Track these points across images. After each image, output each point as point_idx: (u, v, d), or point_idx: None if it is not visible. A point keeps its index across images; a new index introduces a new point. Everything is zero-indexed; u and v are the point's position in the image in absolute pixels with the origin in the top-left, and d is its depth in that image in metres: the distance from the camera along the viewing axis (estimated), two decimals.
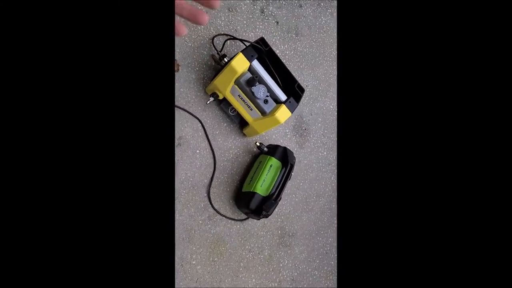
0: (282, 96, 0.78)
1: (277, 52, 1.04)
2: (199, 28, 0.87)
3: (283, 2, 1.07)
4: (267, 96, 0.73)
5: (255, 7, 1.00)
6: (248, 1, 0.98)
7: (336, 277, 1.03)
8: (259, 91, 0.71)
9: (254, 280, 0.87)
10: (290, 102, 0.76)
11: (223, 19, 0.92)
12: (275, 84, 0.78)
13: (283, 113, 0.74)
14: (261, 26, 1.00)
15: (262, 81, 0.75)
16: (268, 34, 1.01)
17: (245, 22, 0.97)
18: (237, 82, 0.74)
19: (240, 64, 0.69)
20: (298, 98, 0.79)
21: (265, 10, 1.02)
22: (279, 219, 0.95)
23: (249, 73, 0.74)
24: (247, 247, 0.87)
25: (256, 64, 0.75)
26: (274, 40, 1.02)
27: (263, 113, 0.76)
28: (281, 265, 0.93)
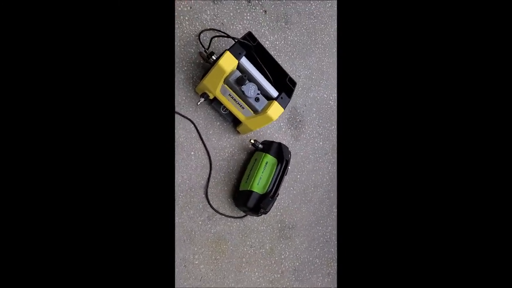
0: (274, 92, 0.77)
1: (266, 43, 1.01)
2: (184, 24, 0.84)
3: None
4: (258, 94, 0.72)
5: None
6: None
7: (336, 264, 1.06)
8: (249, 90, 0.69)
9: (257, 273, 0.90)
10: (282, 98, 0.75)
11: (208, 12, 0.88)
12: (266, 80, 0.76)
13: (275, 110, 0.73)
14: (248, 17, 0.97)
15: (252, 79, 0.73)
16: (256, 25, 0.98)
17: (231, 14, 0.93)
18: (226, 82, 0.72)
19: (228, 63, 0.67)
20: (290, 93, 0.77)
21: (251, 0, 0.98)
22: (278, 213, 0.96)
23: (238, 71, 0.72)
24: (248, 243, 0.89)
25: (244, 61, 0.72)
26: (263, 31, 0.99)
27: (255, 111, 0.75)
28: (282, 257, 0.95)
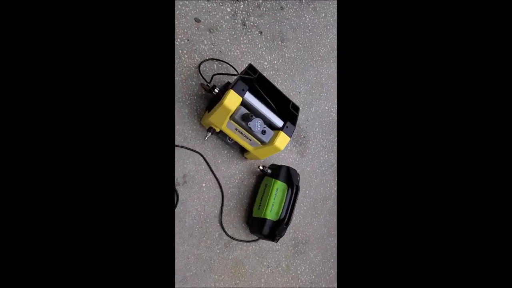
0: (279, 122, 0.78)
1: (265, 64, 1.01)
2: (183, 58, 0.84)
3: (264, 9, 1.02)
4: (264, 127, 0.73)
5: (236, 21, 0.95)
6: (228, 17, 0.93)
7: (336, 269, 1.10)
8: (256, 125, 0.71)
9: None
10: (287, 127, 0.76)
11: (205, 42, 0.89)
12: (270, 111, 0.78)
13: (282, 140, 0.75)
14: (245, 40, 0.97)
15: (257, 114, 0.74)
16: (253, 47, 0.98)
17: (228, 40, 0.93)
18: (232, 118, 0.73)
19: (233, 101, 0.68)
20: (294, 120, 0.79)
21: (246, 22, 0.98)
22: (291, 230, 0.99)
23: (242, 108, 0.73)
24: (264, 263, 0.92)
25: (248, 96, 0.74)
26: (260, 52, 0.99)
27: (262, 142, 0.77)
28: (299, 272, 0.99)
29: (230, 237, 0.86)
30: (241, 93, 0.69)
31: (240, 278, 0.87)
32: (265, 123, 0.75)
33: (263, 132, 0.74)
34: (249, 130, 0.73)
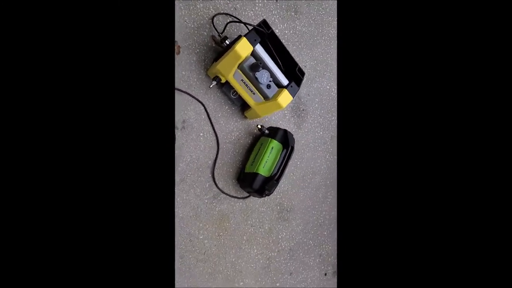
0: (284, 81, 0.80)
1: (276, 31, 1.03)
2: (198, 7, 0.84)
3: None
4: (270, 81, 0.75)
5: None
6: None
7: (329, 247, 1.14)
8: (263, 77, 0.72)
9: (255, 250, 0.95)
10: (291, 86, 0.78)
11: None
12: (277, 68, 0.79)
13: (285, 98, 0.77)
14: (260, 4, 0.98)
15: (265, 66, 0.76)
16: (267, 12, 0.99)
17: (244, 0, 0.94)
18: (240, 67, 0.74)
19: (244, 49, 0.70)
20: (299, 82, 0.81)
21: None
22: (278, 196, 1.01)
23: (252, 57, 0.74)
24: (249, 222, 0.94)
25: (259, 48, 0.75)
26: (273, 19, 1.01)
27: (265, 97, 0.78)
28: (280, 237, 1.01)
29: (220, 189, 0.88)
30: (253, 43, 0.71)
31: (224, 231, 0.89)
32: (271, 79, 0.77)
33: (268, 86, 0.76)
34: (255, 81, 0.74)
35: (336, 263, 1.15)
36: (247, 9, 0.95)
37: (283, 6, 1.04)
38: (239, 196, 0.91)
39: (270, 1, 1.00)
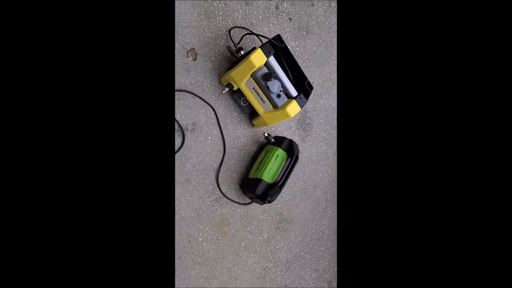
0: (294, 92, 0.84)
1: (288, 47, 1.08)
2: (218, 19, 0.90)
3: (297, 1, 1.10)
4: (280, 91, 0.79)
5: (271, 3, 1.03)
6: None
7: (326, 262, 1.13)
8: (274, 86, 0.76)
9: (253, 259, 0.95)
10: (300, 98, 0.82)
11: (240, 12, 0.96)
12: (288, 80, 0.83)
13: (293, 108, 0.80)
14: (275, 22, 1.04)
15: (277, 77, 0.80)
16: (281, 30, 1.05)
17: (260, 16, 1.00)
18: (253, 76, 0.78)
19: (258, 59, 0.74)
20: (307, 95, 0.85)
21: (279, 7, 1.06)
22: (278, 205, 1.02)
23: (265, 68, 0.79)
24: (248, 229, 0.94)
25: (272, 60, 0.79)
26: (286, 36, 1.07)
27: (275, 106, 0.82)
28: (277, 247, 1.01)
29: (223, 193, 0.89)
30: (267, 54, 0.75)
31: (223, 236, 0.89)
32: (282, 89, 0.81)
33: (278, 96, 0.79)
34: (266, 90, 0.78)
35: (331, 280, 1.13)
36: (263, 25, 1.01)
37: (296, 25, 1.10)
38: (241, 202, 0.93)
39: (284, 19, 1.07)
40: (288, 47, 1.08)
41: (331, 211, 1.16)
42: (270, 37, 1.01)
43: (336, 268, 1.15)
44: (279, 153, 0.88)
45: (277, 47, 0.79)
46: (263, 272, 0.97)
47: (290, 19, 1.09)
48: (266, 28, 1.02)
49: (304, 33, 1.12)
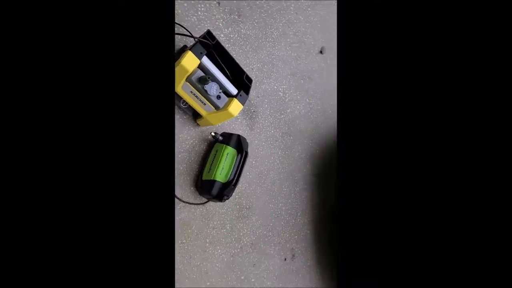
0: (233, 90, 0.83)
1: (221, 36, 1.03)
2: None
3: None
4: (220, 92, 0.77)
5: None
6: None
7: (286, 234, 1.24)
8: (212, 89, 0.74)
9: (219, 251, 1.00)
10: (241, 95, 0.82)
11: None
12: (225, 78, 0.82)
13: (235, 107, 0.80)
14: (202, 8, 0.97)
15: (214, 79, 0.77)
16: (210, 17, 0.99)
17: (185, 4, 0.92)
18: (188, 80, 0.75)
19: (190, 63, 0.70)
20: (247, 90, 0.85)
21: None
22: (236, 196, 1.06)
23: (199, 70, 0.75)
24: (211, 225, 0.98)
25: (205, 60, 0.76)
26: (217, 23, 1.01)
27: (216, 107, 0.81)
28: (241, 233, 1.07)
29: (179, 199, 0.89)
30: (199, 56, 0.72)
31: (187, 238, 0.91)
32: (221, 90, 0.79)
33: (218, 97, 0.78)
34: (205, 93, 0.76)
35: (293, 248, 1.27)
36: (190, 14, 0.94)
37: (226, 9, 1.04)
38: (198, 203, 0.94)
39: (212, 4, 1.00)
40: (221, 35, 1.03)
41: (286, 188, 1.25)
42: (200, 28, 0.95)
43: (296, 237, 1.28)
44: (229, 151, 0.89)
45: (208, 46, 0.75)
46: (231, 259, 1.04)
47: (219, 3, 1.02)
48: (194, 17, 0.95)
49: (236, 16, 1.08)
